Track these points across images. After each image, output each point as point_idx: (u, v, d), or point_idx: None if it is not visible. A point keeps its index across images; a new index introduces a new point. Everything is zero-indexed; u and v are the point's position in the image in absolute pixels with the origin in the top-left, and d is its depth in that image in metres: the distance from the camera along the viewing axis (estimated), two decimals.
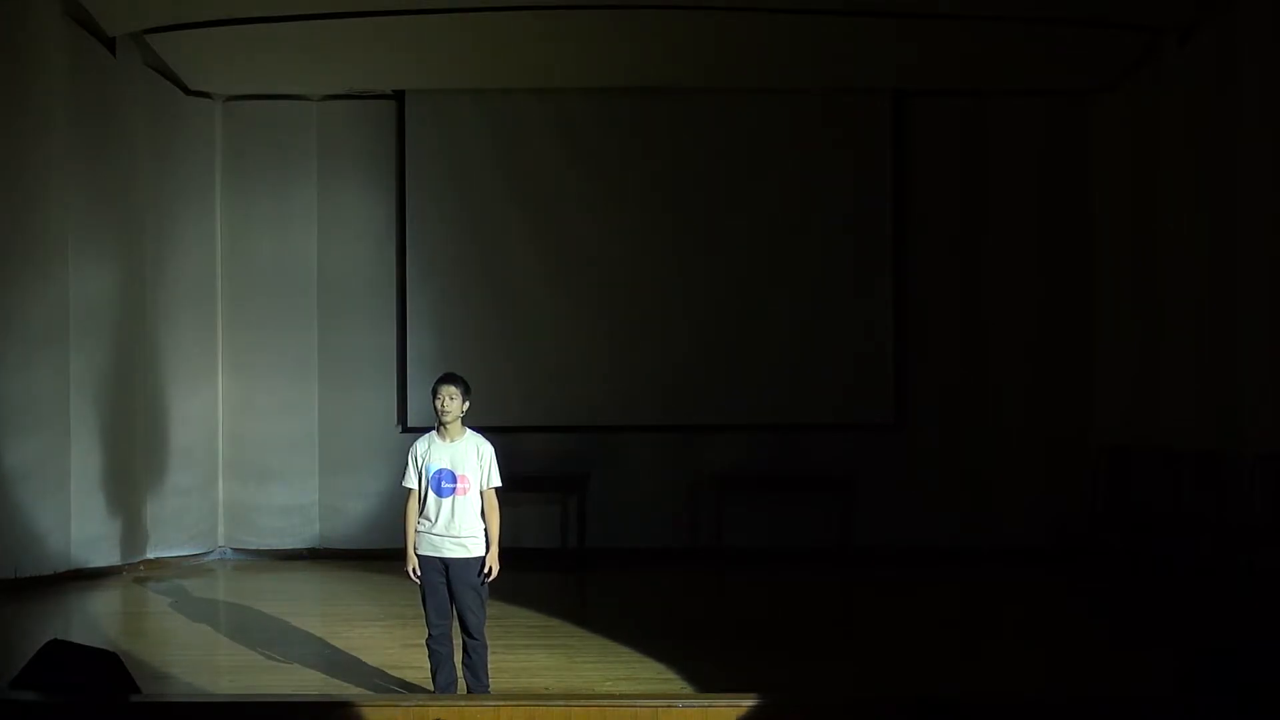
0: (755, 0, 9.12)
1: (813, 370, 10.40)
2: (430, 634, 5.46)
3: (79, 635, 6.81)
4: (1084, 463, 10.12)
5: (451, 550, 5.42)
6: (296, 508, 10.43)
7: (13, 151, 8.40)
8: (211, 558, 10.31)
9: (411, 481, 5.49)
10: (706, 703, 4.78)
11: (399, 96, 10.46)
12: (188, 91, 10.22)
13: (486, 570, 5.46)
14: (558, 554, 10.16)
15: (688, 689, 5.76)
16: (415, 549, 5.47)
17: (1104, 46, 9.78)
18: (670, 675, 6.07)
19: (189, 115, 10.22)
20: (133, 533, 9.54)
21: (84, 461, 9.02)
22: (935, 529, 10.21)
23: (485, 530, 5.49)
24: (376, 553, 10.02)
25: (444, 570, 5.43)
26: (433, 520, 5.43)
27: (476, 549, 5.45)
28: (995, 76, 10.30)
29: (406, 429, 10.30)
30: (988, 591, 8.98)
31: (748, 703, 4.73)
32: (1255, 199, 8.19)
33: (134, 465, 9.53)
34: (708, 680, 5.81)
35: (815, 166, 10.46)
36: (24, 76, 8.47)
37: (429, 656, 5.47)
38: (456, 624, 5.51)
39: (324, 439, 10.45)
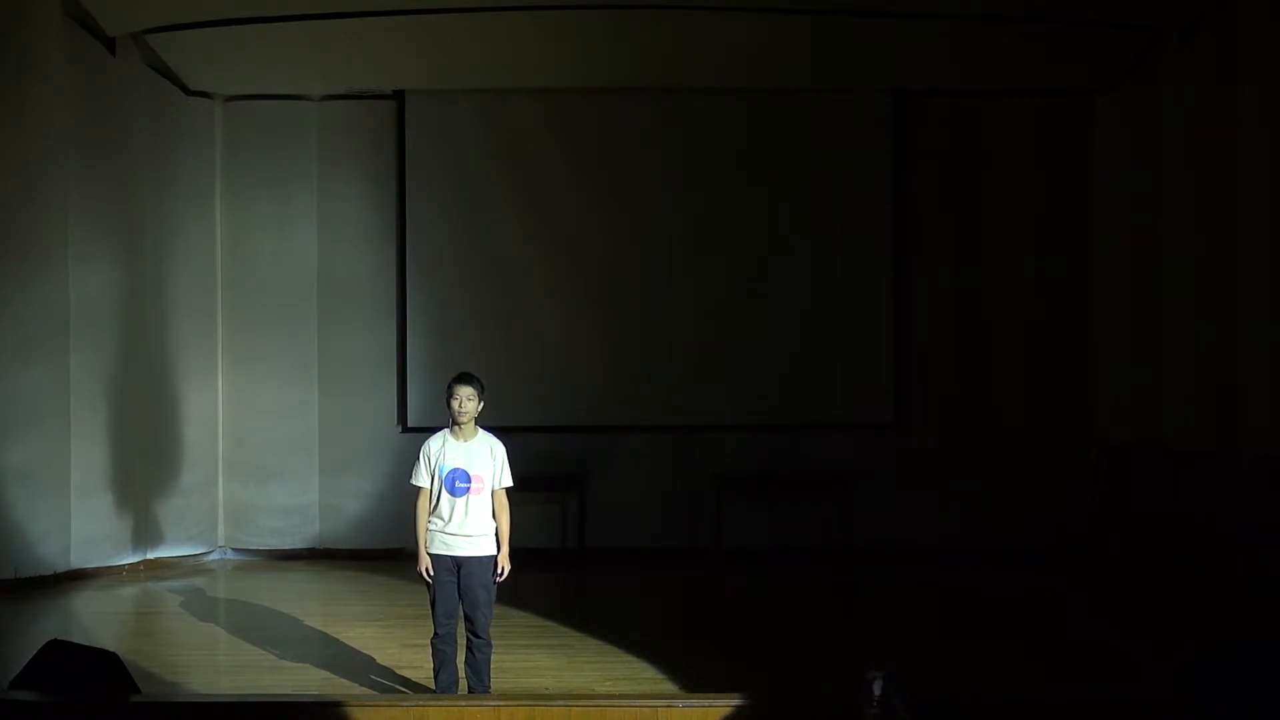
0: (755, 0, 9.13)
1: (812, 370, 10.40)
2: (436, 633, 5.45)
3: (79, 635, 6.80)
4: (1084, 462, 10.13)
5: (464, 549, 5.42)
6: (296, 508, 10.43)
7: (12, 151, 8.39)
8: (211, 558, 10.31)
9: (423, 480, 5.48)
10: (706, 703, 4.77)
11: (399, 96, 10.46)
12: (188, 91, 10.22)
13: (499, 570, 5.47)
14: (558, 554, 10.17)
15: (687, 689, 5.75)
16: (428, 548, 5.47)
17: (1104, 46, 9.79)
18: (670, 675, 6.06)
19: (189, 115, 10.22)
20: (133, 533, 9.54)
21: (84, 461, 9.02)
22: (935, 529, 10.21)
23: (495, 529, 5.49)
24: (376, 553, 10.06)
25: (455, 570, 5.43)
26: (445, 519, 5.43)
27: (489, 548, 5.46)
28: (995, 76, 10.30)
29: (406, 429, 10.30)
30: (988, 592, 8.96)
31: (747, 702, 4.73)
32: (1255, 199, 8.20)
33: (134, 465, 9.53)
34: (707, 680, 5.80)
35: (815, 166, 10.46)
36: (24, 76, 8.47)
37: (433, 655, 5.47)
38: (459, 624, 5.51)
39: (324, 439, 10.45)
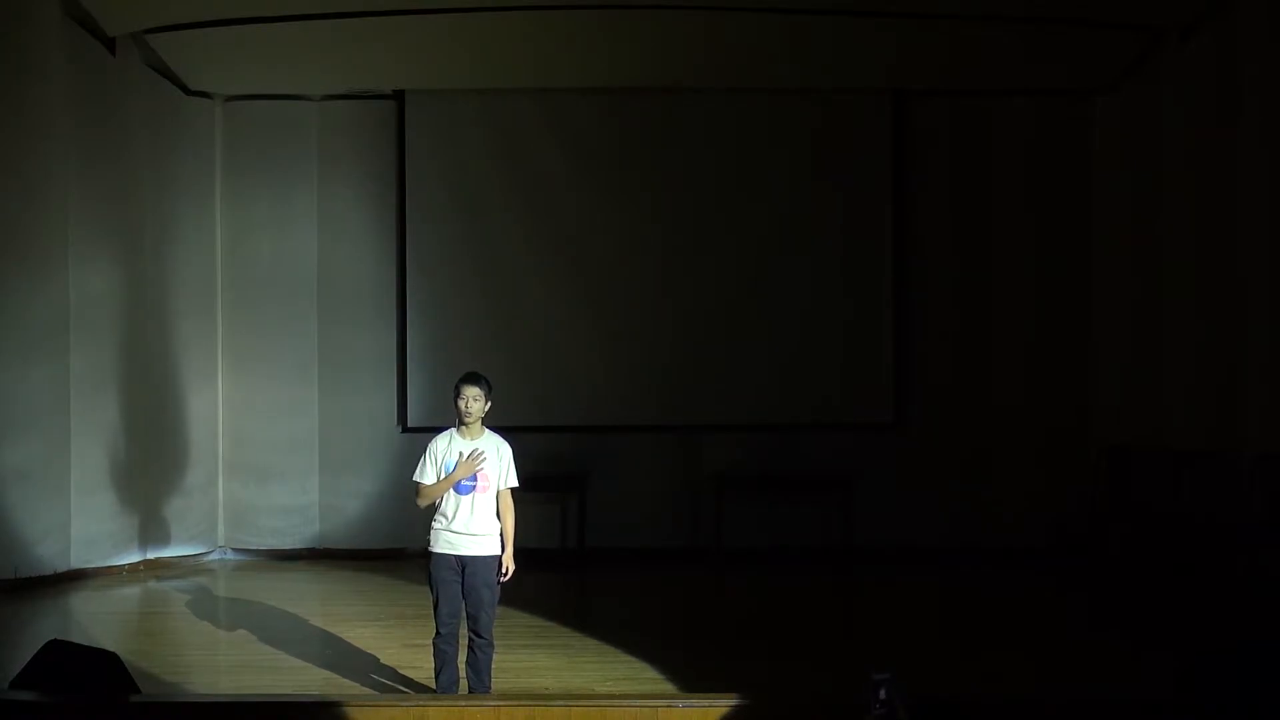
0: (755, 0, 9.13)
1: (812, 370, 10.40)
2: (439, 632, 5.45)
3: (78, 635, 6.81)
4: (1084, 462, 10.13)
5: (469, 548, 5.42)
6: (296, 508, 10.42)
7: (12, 151, 8.40)
8: (211, 558, 10.31)
9: (428, 478, 5.49)
10: (706, 702, 4.77)
11: (399, 96, 10.45)
12: (188, 91, 10.22)
13: (504, 570, 5.48)
14: (557, 554, 10.17)
15: (687, 689, 5.75)
16: (432, 547, 5.47)
17: (1104, 46, 9.78)
18: (669, 675, 6.07)
19: (189, 115, 10.22)
20: (132, 533, 9.54)
21: (84, 461, 9.02)
22: (934, 529, 10.21)
23: (500, 529, 5.50)
24: (376, 553, 10.07)
25: (459, 569, 5.43)
26: (450, 518, 5.44)
27: (493, 547, 5.46)
28: (995, 76, 10.30)
29: (406, 429, 10.30)
30: (987, 591, 8.97)
31: (747, 702, 4.73)
32: (1255, 199, 8.20)
33: (134, 465, 9.53)
34: (707, 680, 5.79)
35: (815, 165, 10.46)
36: (24, 76, 8.47)
37: (434, 655, 5.46)
38: (461, 624, 5.51)
39: (324, 439, 10.45)
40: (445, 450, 5.48)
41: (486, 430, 5.55)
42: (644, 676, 6.08)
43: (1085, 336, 10.41)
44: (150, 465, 9.74)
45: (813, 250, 10.45)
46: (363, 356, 10.47)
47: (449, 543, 5.44)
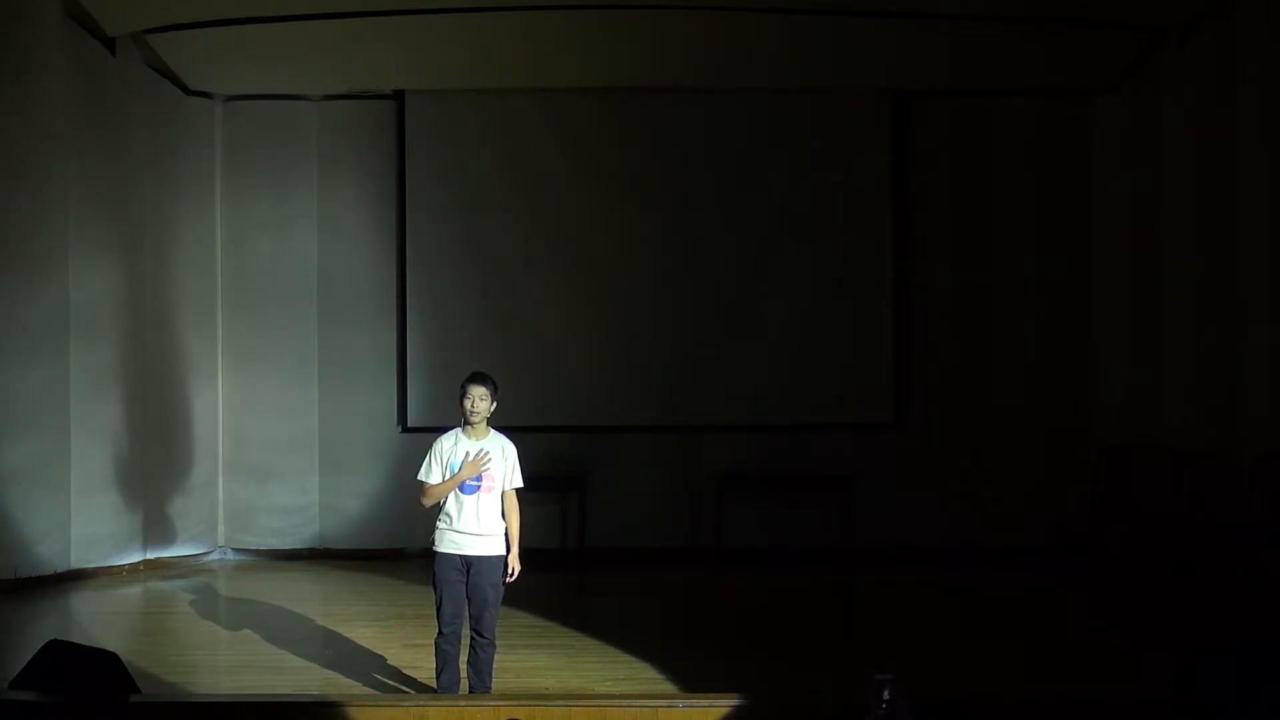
0: (755, 0, 9.13)
1: (812, 369, 10.40)
2: (441, 632, 5.44)
3: (78, 635, 6.81)
4: (1084, 462, 10.13)
5: (474, 548, 5.42)
6: (296, 508, 10.42)
7: (12, 151, 8.40)
8: (211, 558, 10.31)
9: (433, 476, 5.48)
10: (706, 703, 4.77)
11: (399, 96, 10.45)
12: (188, 91, 10.22)
13: (510, 571, 5.48)
14: (557, 554, 10.17)
15: (687, 689, 5.75)
16: (436, 547, 5.47)
17: (1104, 46, 9.79)
18: (669, 675, 6.07)
19: (189, 115, 10.22)
20: (132, 533, 9.53)
21: (84, 461, 9.02)
22: (935, 529, 10.21)
23: (505, 530, 5.50)
24: (376, 553, 10.07)
25: (464, 569, 5.43)
26: (454, 518, 5.44)
27: (498, 548, 5.46)
28: (995, 76, 10.30)
29: (406, 429, 10.31)
30: (987, 591, 8.97)
31: (747, 702, 4.73)
32: (1255, 199, 8.20)
33: (134, 465, 9.53)
34: (707, 680, 5.79)
35: (815, 165, 10.46)
36: (24, 76, 8.47)
37: (436, 655, 5.46)
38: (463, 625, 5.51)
39: (324, 439, 10.45)
40: (450, 450, 5.47)
41: (492, 430, 5.54)
42: (644, 676, 6.08)
43: (1085, 336, 10.41)
44: (150, 465, 9.74)
45: (812, 250, 10.45)
46: (363, 356, 10.47)
47: (454, 543, 5.43)
